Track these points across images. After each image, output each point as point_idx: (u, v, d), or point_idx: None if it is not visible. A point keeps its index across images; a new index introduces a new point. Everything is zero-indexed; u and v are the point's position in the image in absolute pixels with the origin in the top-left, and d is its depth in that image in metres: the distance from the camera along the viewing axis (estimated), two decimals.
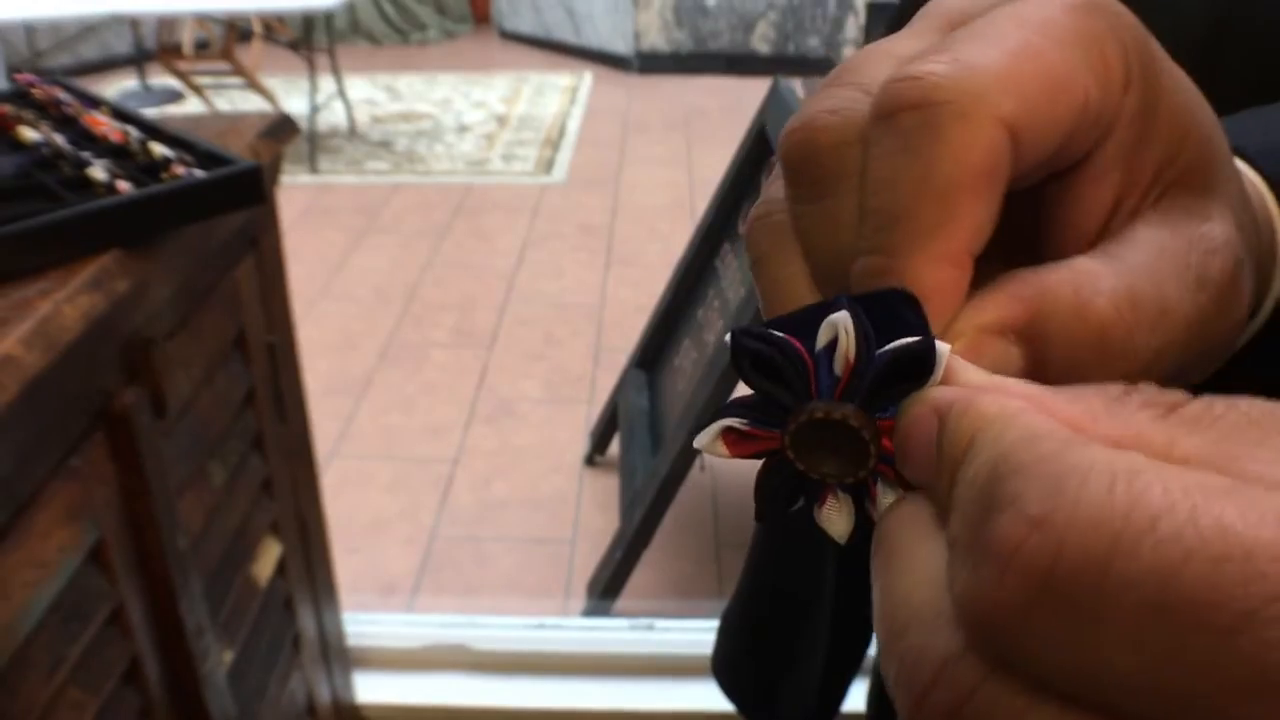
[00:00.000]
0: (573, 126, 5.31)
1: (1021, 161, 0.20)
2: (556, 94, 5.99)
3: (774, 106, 2.05)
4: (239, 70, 5.23)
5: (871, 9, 6.41)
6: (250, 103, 5.61)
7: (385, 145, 5.11)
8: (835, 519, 0.22)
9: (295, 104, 5.61)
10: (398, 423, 2.74)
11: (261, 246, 1.05)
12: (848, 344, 0.20)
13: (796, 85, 2.18)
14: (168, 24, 5.59)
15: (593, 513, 2.36)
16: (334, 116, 5.40)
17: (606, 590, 1.95)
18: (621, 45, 6.56)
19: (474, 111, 5.65)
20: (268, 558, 1.07)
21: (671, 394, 2.19)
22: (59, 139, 0.89)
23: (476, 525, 2.33)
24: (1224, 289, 0.22)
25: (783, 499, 0.22)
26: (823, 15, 6.42)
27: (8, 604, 0.67)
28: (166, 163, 0.82)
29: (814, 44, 6.47)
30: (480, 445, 2.64)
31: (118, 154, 0.87)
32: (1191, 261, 0.21)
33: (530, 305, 3.34)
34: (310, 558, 1.22)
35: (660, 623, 1.71)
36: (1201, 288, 0.21)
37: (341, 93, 5.30)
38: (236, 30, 5.28)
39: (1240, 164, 0.27)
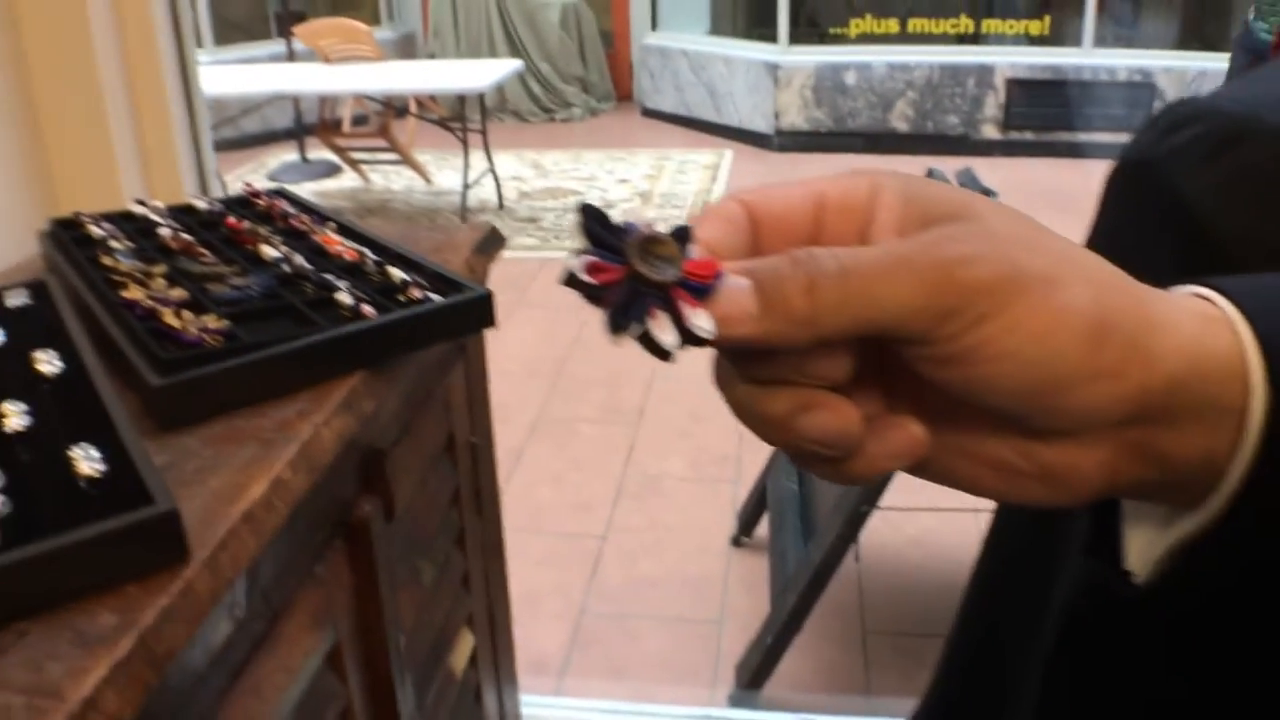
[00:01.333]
0: None
1: (765, 212, 0.39)
2: (698, 171, 6.08)
3: None
4: (394, 146, 5.43)
5: (1011, 85, 6.37)
6: (403, 177, 5.82)
7: (532, 220, 5.24)
8: (664, 329, 0.33)
9: (446, 179, 5.80)
10: (547, 497, 2.80)
11: (469, 353, 1.11)
12: (651, 222, 0.35)
13: (943, 168, 2.19)
14: (328, 102, 5.85)
15: (739, 594, 2.37)
16: (483, 192, 5.55)
17: (755, 676, 1.96)
18: (762, 123, 6.65)
19: (619, 188, 5.77)
20: (463, 649, 1.12)
21: (822, 479, 2.20)
22: (298, 258, 0.96)
23: (625, 603, 2.36)
24: (953, 267, 0.33)
25: (623, 308, 0.33)
26: (961, 94, 6.40)
27: (263, 706, 0.72)
28: (404, 285, 0.88)
29: (953, 122, 6.45)
30: (628, 522, 2.68)
31: (353, 272, 0.94)
32: (918, 244, 0.34)
33: (675, 381, 3.38)
34: (497, 647, 1.26)
35: (813, 719, 1.71)
36: (925, 258, 0.34)
37: (491, 169, 5.46)
38: (393, 108, 5.50)
39: (1241, 324, 0.34)
